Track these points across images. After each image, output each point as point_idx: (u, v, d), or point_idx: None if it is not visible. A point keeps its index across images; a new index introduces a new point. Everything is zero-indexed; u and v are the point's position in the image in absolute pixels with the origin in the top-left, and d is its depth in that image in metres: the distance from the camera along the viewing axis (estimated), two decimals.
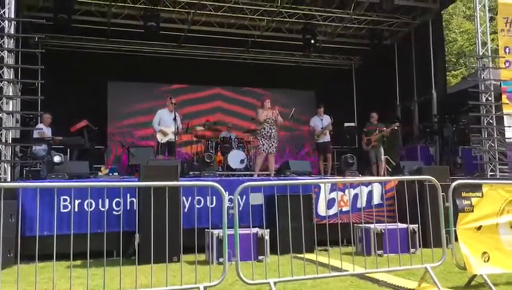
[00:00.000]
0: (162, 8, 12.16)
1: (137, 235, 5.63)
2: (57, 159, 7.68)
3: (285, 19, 13.11)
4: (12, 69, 8.12)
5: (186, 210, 7.01)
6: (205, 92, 14.62)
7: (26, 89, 9.87)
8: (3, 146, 7.62)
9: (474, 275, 4.57)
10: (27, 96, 9.43)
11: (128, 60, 13.75)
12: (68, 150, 9.80)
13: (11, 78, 8.03)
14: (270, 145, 9.20)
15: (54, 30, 12.06)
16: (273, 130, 9.25)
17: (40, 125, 9.72)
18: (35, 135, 9.34)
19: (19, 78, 8.93)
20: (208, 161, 8.71)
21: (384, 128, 11.19)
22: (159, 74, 13.74)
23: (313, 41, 13.11)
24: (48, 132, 9.62)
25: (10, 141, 7.81)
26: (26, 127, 9.48)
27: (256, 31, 13.77)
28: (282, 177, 8.57)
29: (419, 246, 6.15)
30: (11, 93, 7.95)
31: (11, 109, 7.99)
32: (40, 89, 10.20)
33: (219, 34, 13.59)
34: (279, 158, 12.55)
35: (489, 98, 10.34)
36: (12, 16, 8.07)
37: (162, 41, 13.75)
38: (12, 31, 8.10)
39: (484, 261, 4.60)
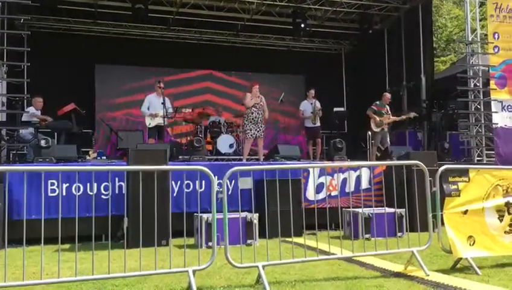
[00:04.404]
0: None
1: (126, 219, 5.62)
2: (43, 142, 7.60)
3: (275, 2, 12.94)
4: None
5: (175, 194, 7.03)
6: (194, 75, 14.49)
7: (12, 71, 9.71)
8: None
9: (460, 259, 4.65)
10: (13, 79, 9.28)
11: (116, 43, 13.59)
12: (55, 133, 9.69)
13: None
14: (258, 129, 9.22)
15: (40, 12, 11.83)
16: (260, 115, 9.27)
17: (29, 109, 9.59)
18: (24, 118, 9.21)
19: (5, 60, 8.79)
20: (197, 145, 8.69)
21: (403, 116, 11.02)
22: (147, 57, 13.55)
23: (303, 25, 12.96)
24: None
25: None
26: (13, 110, 9.36)
27: (246, 14, 13.62)
28: (271, 162, 8.60)
29: (406, 230, 6.23)
30: None
31: None
32: (26, 72, 10.05)
33: (208, 17, 13.40)
34: (270, 143, 12.58)
35: (478, 84, 10.39)
36: None
37: (151, 24, 13.57)
38: None
39: (470, 244, 4.67)
